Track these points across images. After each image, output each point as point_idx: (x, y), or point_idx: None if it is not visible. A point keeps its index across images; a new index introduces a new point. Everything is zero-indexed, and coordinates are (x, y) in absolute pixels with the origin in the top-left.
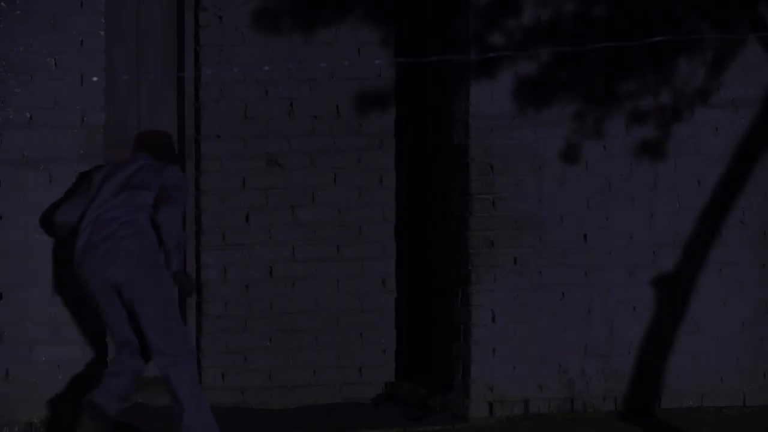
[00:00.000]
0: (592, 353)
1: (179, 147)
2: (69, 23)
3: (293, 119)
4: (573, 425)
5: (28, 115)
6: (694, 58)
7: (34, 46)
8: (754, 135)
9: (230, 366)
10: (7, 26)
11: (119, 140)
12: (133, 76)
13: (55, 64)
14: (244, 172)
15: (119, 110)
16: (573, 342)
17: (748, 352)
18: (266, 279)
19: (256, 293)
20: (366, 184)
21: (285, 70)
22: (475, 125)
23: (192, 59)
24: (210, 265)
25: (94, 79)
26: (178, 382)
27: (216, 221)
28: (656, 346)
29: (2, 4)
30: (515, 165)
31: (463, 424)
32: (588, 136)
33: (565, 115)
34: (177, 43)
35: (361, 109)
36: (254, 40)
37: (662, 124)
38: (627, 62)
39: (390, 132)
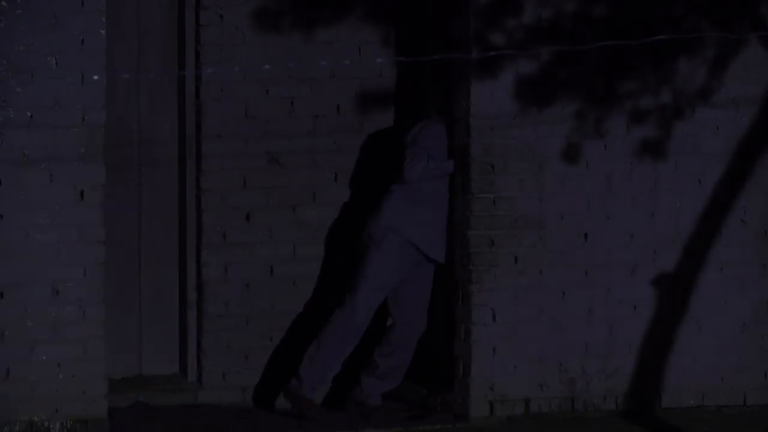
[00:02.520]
0: (592, 352)
1: (179, 146)
2: (69, 22)
3: (294, 118)
4: (574, 424)
5: (29, 115)
6: (694, 58)
7: (35, 45)
8: (754, 134)
9: (231, 365)
10: (8, 25)
11: (120, 139)
12: (133, 75)
13: (56, 64)
14: (244, 172)
15: (120, 109)
16: (574, 341)
17: (748, 351)
18: (267, 278)
19: (257, 292)
20: None
21: (285, 69)
22: (475, 124)
23: (192, 58)
24: (211, 264)
25: (95, 78)
26: (328, 325)
27: (217, 220)
28: (657, 345)
29: (3, 3)
30: (516, 164)
31: (464, 424)
32: (588, 136)
33: (566, 114)
34: (177, 43)
35: (362, 108)
36: (255, 40)
37: (663, 124)
38: (627, 61)
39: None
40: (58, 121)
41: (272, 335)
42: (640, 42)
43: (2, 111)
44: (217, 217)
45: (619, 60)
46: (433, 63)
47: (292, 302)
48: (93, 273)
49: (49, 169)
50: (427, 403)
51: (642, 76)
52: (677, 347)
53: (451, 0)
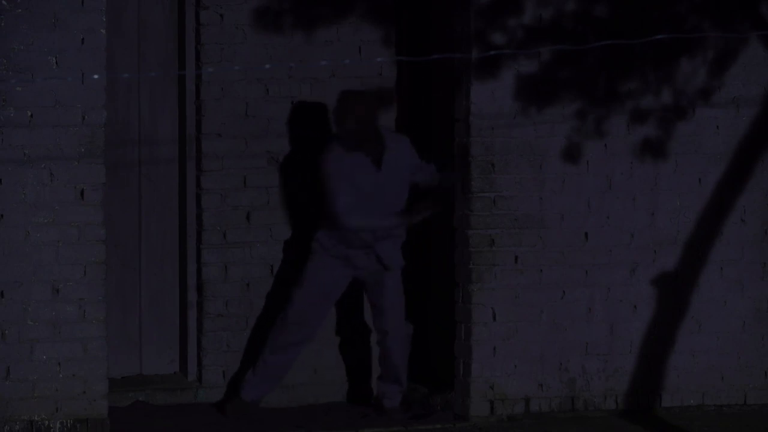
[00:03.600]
0: (593, 352)
1: (180, 146)
2: (70, 22)
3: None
4: (574, 424)
5: (29, 114)
6: (695, 57)
7: (35, 44)
8: (754, 133)
9: (231, 364)
10: (9, 24)
11: (120, 139)
12: (134, 74)
13: (56, 63)
14: (245, 171)
15: (120, 109)
16: (574, 341)
17: (749, 350)
18: (267, 277)
19: (257, 292)
20: None
21: (286, 68)
22: (476, 124)
23: (193, 58)
24: (211, 264)
25: (95, 77)
26: None
27: (217, 220)
28: (657, 344)
29: (3, 2)
30: (516, 163)
31: (464, 423)
32: (589, 135)
33: (567, 113)
34: (178, 42)
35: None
36: (255, 39)
37: (663, 123)
38: (628, 61)
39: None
40: (59, 120)
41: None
42: (641, 42)
43: (3, 110)
44: (217, 216)
45: (620, 60)
46: (433, 62)
47: None
48: (93, 272)
49: (50, 168)
50: (427, 402)
51: (643, 76)
52: (677, 347)
53: None
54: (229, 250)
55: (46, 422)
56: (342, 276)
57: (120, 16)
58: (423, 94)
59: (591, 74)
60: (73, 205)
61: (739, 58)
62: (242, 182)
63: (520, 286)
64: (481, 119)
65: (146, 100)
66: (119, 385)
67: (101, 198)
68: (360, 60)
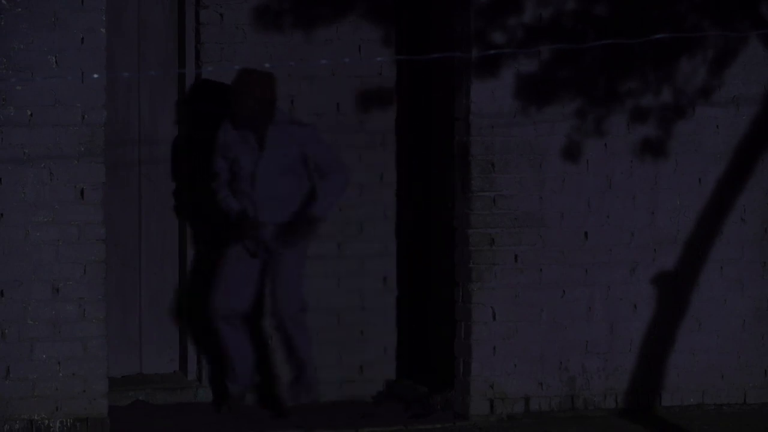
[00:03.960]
0: (592, 351)
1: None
2: (70, 21)
3: (294, 117)
4: (574, 423)
5: (29, 113)
6: (695, 56)
7: (35, 43)
8: (754, 132)
9: None
10: (8, 24)
11: (120, 138)
12: (134, 74)
13: (56, 62)
14: None
15: (120, 108)
16: (574, 340)
17: (749, 349)
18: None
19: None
20: (367, 182)
21: (286, 67)
22: (476, 123)
23: (193, 57)
24: None
25: (95, 76)
26: None
27: None
28: (657, 343)
29: (3, 1)
30: (516, 163)
31: (464, 422)
32: (589, 134)
33: (567, 113)
34: (178, 41)
35: (362, 106)
36: (255, 38)
37: (663, 122)
38: (628, 60)
39: (391, 129)
40: (59, 119)
41: (272, 334)
42: (641, 41)
43: (2, 109)
44: None
45: (620, 59)
46: (433, 61)
47: None
48: (93, 271)
49: (50, 167)
50: (427, 401)
51: (643, 75)
52: (677, 345)
53: None
54: None
55: (46, 421)
56: (241, 254)
57: (120, 15)
58: (423, 93)
59: (591, 73)
60: (73, 205)
61: (739, 57)
62: None
63: (520, 285)
64: (481, 118)
65: (146, 100)
66: (119, 384)
67: (101, 197)
68: (360, 59)
